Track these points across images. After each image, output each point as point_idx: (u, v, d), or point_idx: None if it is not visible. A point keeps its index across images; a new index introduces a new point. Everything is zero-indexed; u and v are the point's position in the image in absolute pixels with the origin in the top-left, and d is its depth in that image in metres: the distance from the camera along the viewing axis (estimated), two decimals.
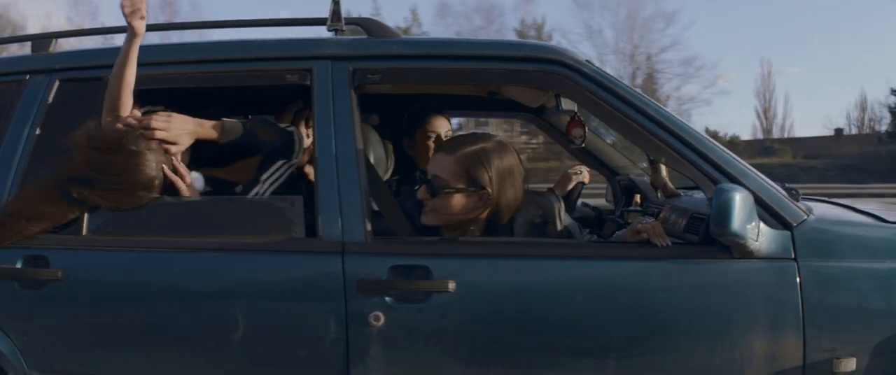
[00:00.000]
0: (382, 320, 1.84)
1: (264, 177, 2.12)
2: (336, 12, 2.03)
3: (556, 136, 2.82)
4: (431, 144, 2.58)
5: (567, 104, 2.49)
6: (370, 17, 2.04)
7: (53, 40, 2.20)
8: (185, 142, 2.02)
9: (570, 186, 2.84)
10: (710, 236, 1.86)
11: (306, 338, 1.87)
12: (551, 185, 2.80)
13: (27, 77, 2.14)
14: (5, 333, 1.99)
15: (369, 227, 1.89)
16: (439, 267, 1.85)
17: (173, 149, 2.00)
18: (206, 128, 2.04)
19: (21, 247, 2.00)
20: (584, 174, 2.88)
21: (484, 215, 2.03)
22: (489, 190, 1.97)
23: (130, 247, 1.97)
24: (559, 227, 2.09)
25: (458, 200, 1.98)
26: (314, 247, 1.89)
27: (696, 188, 2.62)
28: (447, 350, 1.85)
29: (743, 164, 1.92)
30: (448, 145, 2.08)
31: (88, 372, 1.98)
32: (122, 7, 1.88)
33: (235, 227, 1.97)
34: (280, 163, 2.13)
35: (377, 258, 1.87)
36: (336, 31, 2.07)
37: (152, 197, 1.98)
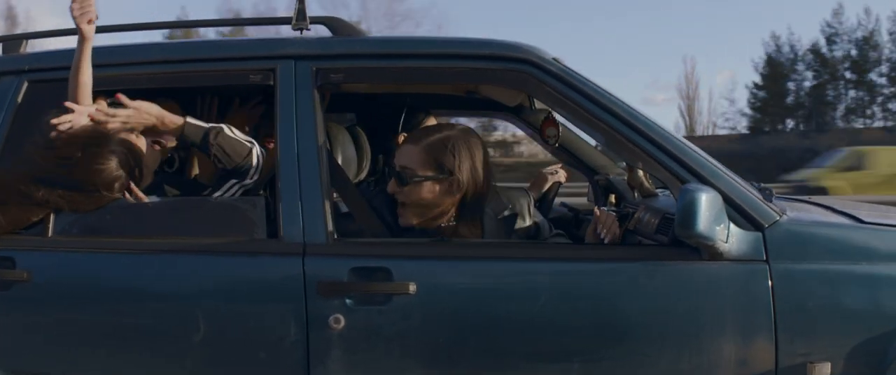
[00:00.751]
0: (343, 322, 1.81)
1: (216, 194, 2.04)
2: (301, 11, 2.01)
3: (535, 136, 2.78)
4: None
5: (540, 103, 2.45)
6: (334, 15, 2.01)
7: (25, 41, 2.19)
8: (148, 122, 1.96)
9: (547, 186, 2.81)
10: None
11: (266, 340, 1.85)
12: (526, 184, 2.77)
13: None
14: None
15: (331, 228, 1.87)
16: (400, 268, 1.82)
17: (133, 132, 1.96)
18: (168, 121, 1.98)
19: None
20: (560, 173, 2.84)
21: (454, 203, 2.02)
22: (457, 174, 1.96)
23: (96, 248, 1.96)
24: (527, 223, 2.06)
25: (427, 188, 1.98)
26: (275, 249, 1.87)
27: None
28: (408, 353, 1.82)
29: (715, 165, 1.88)
30: (413, 136, 2.07)
31: (54, 372, 1.98)
32: (72, 10, 1.87)
33: (199, 229, 1.96)
34: (232, 182, 2.03)
35: (338, 259, 1.84)
36: (301, 30, 2.05)
37: (114, 197, 1.98)
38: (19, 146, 2.06)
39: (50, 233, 1.99)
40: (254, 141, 2.05)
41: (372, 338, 1.82)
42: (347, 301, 1.82)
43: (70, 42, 2.04)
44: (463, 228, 2.01)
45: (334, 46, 2.00)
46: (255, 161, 2.02)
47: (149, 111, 1.95)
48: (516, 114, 2.79)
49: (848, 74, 35.81)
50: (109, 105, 2.07)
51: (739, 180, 1.90)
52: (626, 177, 2.59)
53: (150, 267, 1.93)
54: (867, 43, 34.76)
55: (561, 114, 1.92)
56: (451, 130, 2.01)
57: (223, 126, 2.01)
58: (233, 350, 1.87)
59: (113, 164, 1.94)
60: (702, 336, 1.79)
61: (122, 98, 1.92)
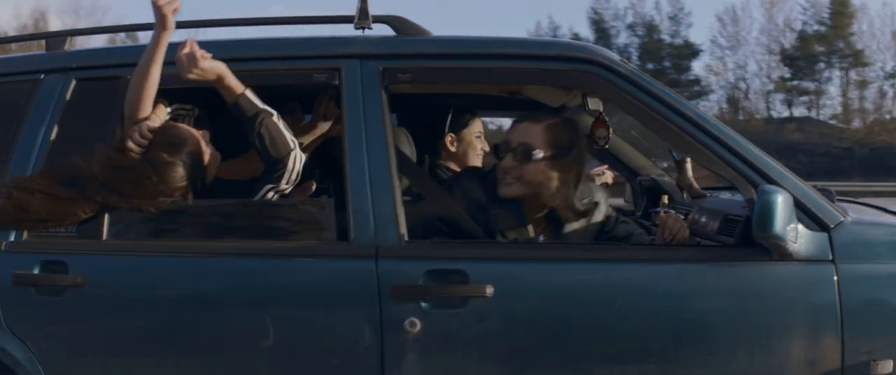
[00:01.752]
0: (418, 326, 1.79)
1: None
2: (364, 10, 1.98)
3: None
4: (480, 143, 2.55)
5: (593, 104, 2.46)
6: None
7: (68, 39, 2.12)
8: (210, 76, 1.87)
9: None
10: (747, 238, 1.84)
11: (339, 345, 1.82)
12: None
13: (42, 76, 2.06)
14: (21, 340, 1.92)
15: (403, 230, 1.85)
16: (476, 270, 1.80)
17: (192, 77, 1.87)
18: (228, 83, 1.89)
19: (38, 252, 1.94)
20: (606, 175, 2.85)
21: (562, 184, 2.05)
22: (573, 156, 2.02)
23: (154, 252, 1.91)
24: (605, 211, 2.13)
25: (544, 166, 2.02)
26: (346, 251, 1.84)
27: (722, 188, 2.61)
28: (485, 357, 1.80)
29: (780, 166, 1.90)
30: (531, 116, 2.11)
31: None
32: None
33: (262, 231, 1.91)
34: (268, 187, 1.97)
35: (412, 262, 1.82)
36: (363, 28, 2.01)
37: (175, 201, 1.92)
38: (68, 146, 2.00)
39: (104, 236, 1.93)
40: (296, 144, 1.99)
41: (448, 342, 1.80)
42: (423, 304, 1.80)
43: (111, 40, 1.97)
44: (566, 211, 2.05)
45: (401, 46, 1.97)
46: (291, 164, 1.94)
47: (216, 67, 1.86)
48: (558, 115, 2.78)
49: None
50: (172, 111, 2.03)
51: (803, 182, 1.93)
52: (670, 178, 2.61)
53: (215, 271, 1.89)
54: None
55: (631, 115, 1.92)
56: (568, 114, 2.10)
57: (275, 112, 1.94)
58: (304, 355, 1.83)
59: (180, 169, 1.89)
60: (772, 336, 1.81)
61: (195, 47, 1.84)
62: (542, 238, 2.09)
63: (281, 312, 1.84)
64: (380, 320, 1.80)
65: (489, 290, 1.78)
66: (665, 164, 2.59)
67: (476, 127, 2.56)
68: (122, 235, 1.93)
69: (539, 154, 2.01)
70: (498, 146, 2.09)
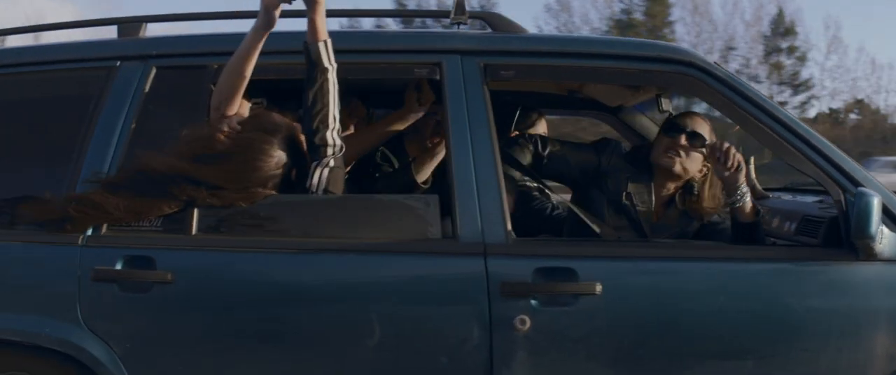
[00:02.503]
0: (528, 324, 1.79)
1: (309, 183, 1.89)
2: (460, 5, 1.96)
3: (630, 136, 2.82)
4: None
5: (665, 105, 2.50)
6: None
7: (143, 25, 2.03)
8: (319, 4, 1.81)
9: None
10: (831, 238, 1.90)
11: (448, 343, 1.80)
12: None
13: (118, 63, 1.97)
14: (103, 340, 1.84)
15: (509, 227, 1.84)
16: (585, 268, 1.81)
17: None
18: (318, 24, 1.83)
19: (120, 247, 1.85)
20: None
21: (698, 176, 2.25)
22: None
23: (248, 248, 1.85)
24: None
25: (700, 158, 2.21)
26: (453, 249, 1.82)
27: (782, 190, 2.69)
28: (593, 354, 1.81)
29: (863, 169, 1.97)
30: (698, 114, 2.27)
31: None
32: None
33: (362, 226, 1.87)
34: (314, 164, 1.90)
35: (521, 259, 1.81)
36: (459, 24, 2.00)
37: (267, 193, 1.87)
38: (148, 136, 1.92)
39: (193, 231, 1.86)
40: (337, 120, 1.91)
41: (557, 340, 1.80)
42: (533, 301, 1.80)
43: (183, 28, 1.90)
44: (691, 202, 2.23)
45: (501, 43, 1.96)
46: (332, 138, 1.88)
47: (318, 7, 1.82)
48: (614, 114, 2.82)
49: None
50: (253, 106, 1.96)
51: (882, 184, 2.00)
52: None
53: (314, 267, 1.84)
54: None
55: (727, 116, 1.96)
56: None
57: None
58: (410, 353, 1.81)
59: (278, 154, 1.83)
60: (859, 333, 1.88)
61: None
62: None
63: (385, 310, 1.80)
64: (489, 318, 1.79)
65: (598, 288, 1.79)
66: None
67: (541, 127, 2.57)
68: (213, 230, 1.86)
69: (707, 145, 2.17)
70: (674, 123, 2.23)
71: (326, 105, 1.86)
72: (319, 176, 1.88)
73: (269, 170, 1.84)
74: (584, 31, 18.83)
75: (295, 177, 1.91)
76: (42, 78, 2.03)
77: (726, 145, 2.06)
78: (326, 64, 1.85)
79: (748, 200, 2.08)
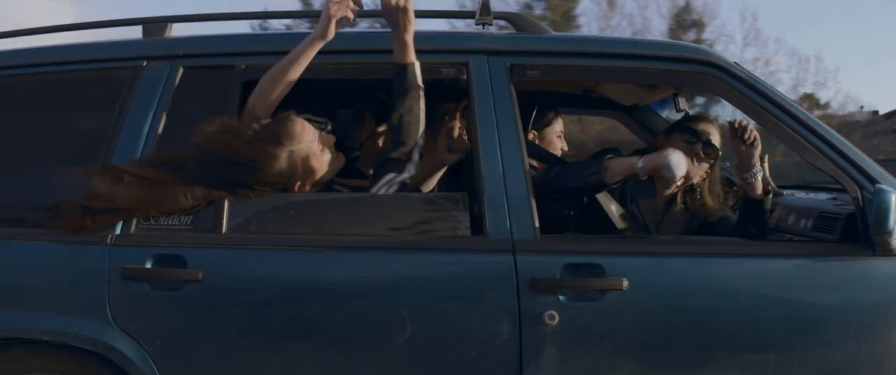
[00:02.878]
0: (557, 319, 1.81)
1: (373, 189, 1.94)
2: (485, 6, 1.99)
3: (644, 136, 2.86)
4: (560, 141, 2.58)
5: (682, 104, 2.53)
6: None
7: (169, 25, 2.04)
8: (409, 23, 1.89)
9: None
10: (848, 234, 1.94)
11: (477, 338, 1.82)
12: None
13: (144, 63, 1.98)
14: (134, 338, 1.85)
15: (537, 224, 1.87)
16: (612, 264, 1.84)
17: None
18: (405, 41, 1.90)
19: (150, 245, 1.87)
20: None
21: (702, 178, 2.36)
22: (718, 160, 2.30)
23: (279, 246, 1.86)
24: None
25: (707, 165, 2.34)
26: (483, 245, 1.85)
27: (795, 188, 2.73)
28: (620, 350, 1.84)
29: (878, 167, 2.02)
30: (712, 117, 2.43)
31: None
32: (329, 5, 1.76)
33: (390, 224, 1.89)
34: (391, 176, 1.94)
35: (550, 256, 1.84)
36: (484, 25, 2.02)
37: (294, 191, 1.89)
38: (177, 136, 1.93)
39: (224, 229, 1.87)
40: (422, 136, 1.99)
41: (585, 334, 1.83)
42: (561, 297, 1.82)
43: (209, 28, 1.92)
44: (694, 200, 2.34)
45: (527, 43, 1.99)
46: (415, 155, 1.95)
47: (412, 20, 1.88)
48: (629, 113, 2.86)
49: None
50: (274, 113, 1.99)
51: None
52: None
53: (345, 265, 1.85)
54: None
55: (749, 117, 2.00)
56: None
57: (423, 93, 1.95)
58: (440, 348, 1.83)
59: (278, 164, 1.86)
60: (877, 326, 1.92)
61: None
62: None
63: (416, 306, 1.82)
64: (518, 313, 1.82)
65: (625, 283, 1.82)
66: (728, 163, 2.68)
67: (558, 126, 2.60)
68: (244, 228, 1.88)
69: (717, 151, 2.30)
70: (690, 128, 2.34)
71: (417, 123, 1.93)
72: (389, 187, 1.93)
73: (267, 176, 1.86)
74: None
75: (310, 188, 1.93)
76: (68, 78, 2.03)
77: (744, 121, 2.12)
78: (420, 83, 1.92)
79: (761, 177, 2.17)
